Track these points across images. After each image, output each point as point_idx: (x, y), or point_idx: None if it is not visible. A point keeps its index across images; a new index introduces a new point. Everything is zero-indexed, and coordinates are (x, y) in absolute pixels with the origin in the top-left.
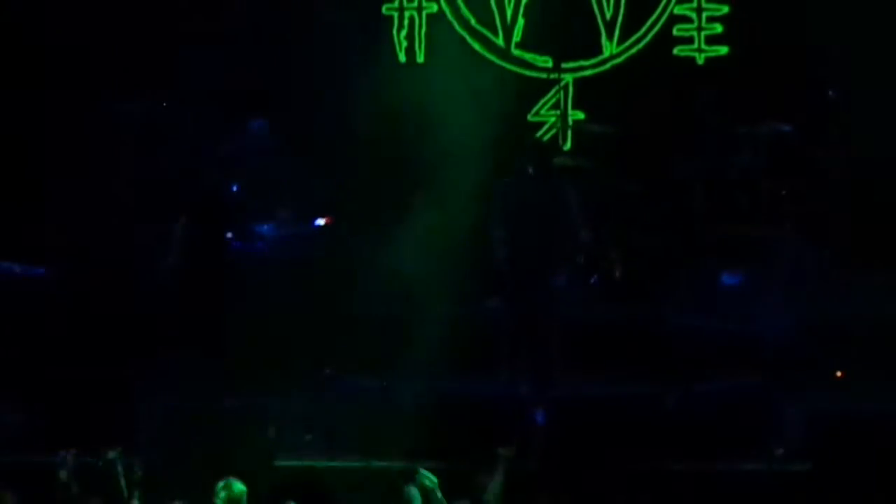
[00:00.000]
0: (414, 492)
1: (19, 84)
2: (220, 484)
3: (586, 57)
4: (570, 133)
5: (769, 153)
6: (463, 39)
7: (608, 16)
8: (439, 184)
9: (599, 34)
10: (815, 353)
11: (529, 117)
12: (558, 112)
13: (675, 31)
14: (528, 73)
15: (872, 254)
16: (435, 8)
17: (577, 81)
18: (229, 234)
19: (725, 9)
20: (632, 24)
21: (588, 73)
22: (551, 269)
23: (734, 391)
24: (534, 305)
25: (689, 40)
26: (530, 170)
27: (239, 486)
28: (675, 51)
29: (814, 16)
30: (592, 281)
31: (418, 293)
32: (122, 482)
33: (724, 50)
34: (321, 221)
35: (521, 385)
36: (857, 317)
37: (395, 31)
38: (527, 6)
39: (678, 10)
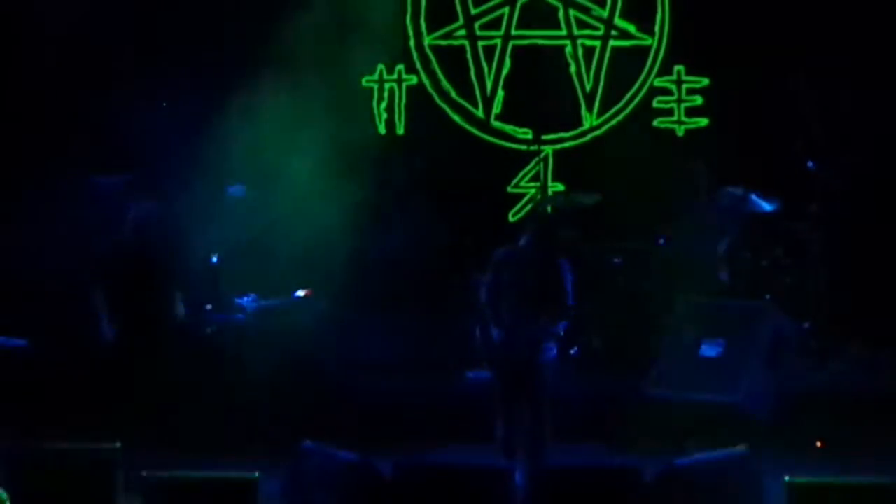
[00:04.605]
0: None
1: None
2: None
3: (566, 129)
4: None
5: (749, 225)
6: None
7: (588, 88)
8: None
9: (579, 106)
10: (794, 424)
11: (509, 189)
12: (538, 184)
13: (654, 103)
14: (507, 144)
15: (850, 325)
16: (415, 80)
17: (556, 153)
18: (209, 306)
19: (705, 81)
20: (612, 96)
21: (568, 144)
22: (541, 338)
23: (714, 463)
24: (523, 375)
25: (669, 112)
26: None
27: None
28: (655, 123)
29: (794, 88)
30: (572, 352)
31: (400, 365)
32: None
33: (703, 122)
34: (301, 293)
35: (507, 456)
36: (836, 388)
37: (374, 104)
38: (506, 78)
39: (658, 83)
